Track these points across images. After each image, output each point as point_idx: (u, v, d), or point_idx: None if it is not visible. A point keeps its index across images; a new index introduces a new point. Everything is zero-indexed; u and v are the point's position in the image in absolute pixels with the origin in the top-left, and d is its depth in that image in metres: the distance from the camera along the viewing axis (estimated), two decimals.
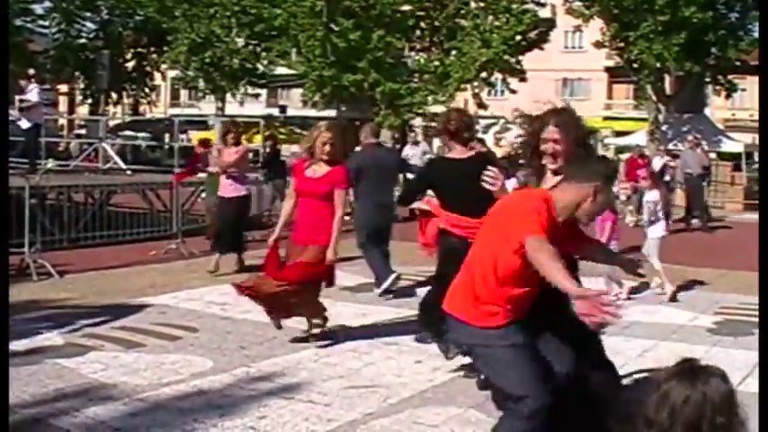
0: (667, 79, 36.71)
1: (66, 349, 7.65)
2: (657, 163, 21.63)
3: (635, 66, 33.99)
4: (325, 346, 7.97)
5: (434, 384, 6.88)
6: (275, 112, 53.09)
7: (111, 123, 43.97)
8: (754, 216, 25.94)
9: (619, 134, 45.42)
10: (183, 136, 43.53)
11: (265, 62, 42.56)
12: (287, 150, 29.65)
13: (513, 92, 38.47)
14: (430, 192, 7.73)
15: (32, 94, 17.72)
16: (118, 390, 6.48)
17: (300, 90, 41.22)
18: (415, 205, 7.81)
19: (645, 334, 8.81)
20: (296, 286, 7.71)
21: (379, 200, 11.04)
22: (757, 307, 8.34)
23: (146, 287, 11.01)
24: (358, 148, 12.42)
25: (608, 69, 52.84)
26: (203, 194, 16.85)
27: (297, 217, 8.06)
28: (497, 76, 36.98)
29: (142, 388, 6.55)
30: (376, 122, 34.97)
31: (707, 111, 42.84)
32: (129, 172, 21.65)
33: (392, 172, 11.98)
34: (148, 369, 7.10)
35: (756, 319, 8.99)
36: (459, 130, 7.37)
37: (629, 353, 8.03)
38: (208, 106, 50.16)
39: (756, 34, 33.21)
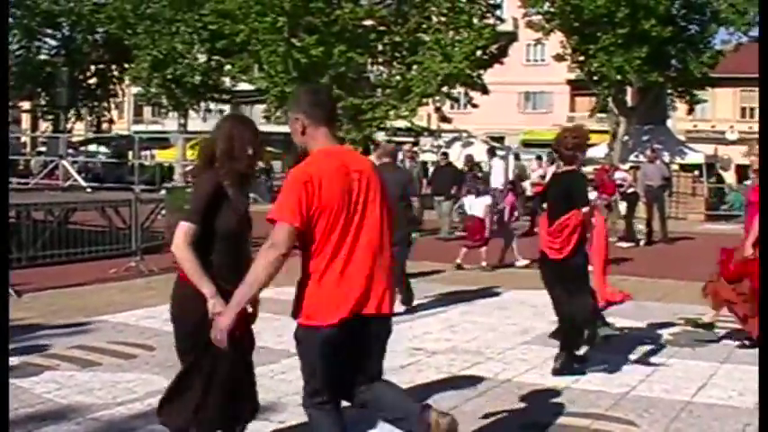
0: (629, 91, 36.97)
1: (21, 369, 7.58)
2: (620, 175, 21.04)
3: (595, 78, 34.19)
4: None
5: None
6: None
7: (74, 140, 43.76)
8: (715, 226, 26.29)
9: None
10: (146, 153, 43.47)
11: (227, 78, 42.49)
12: None
13: (476, 106, 38.63)
14: None
15: None
16: (71, 409, 6.45)
17: (263, 106, 41.10)
18: None
19: (600, 346, 8.78)
20: None
21: None
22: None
23: (104, 305, 10.95)
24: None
25: (570, 82, 53.10)
26: (163, 212, 16.73)
27: None
28: (460, 89, 37.03)
29: (96, 407, 6.51)
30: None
31: (669, 122, 43.17)
32: (88, 189, 21.50)
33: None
34: (103, 388, 7.05)
35: (715, 330, 9.17)
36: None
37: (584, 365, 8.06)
38: (171, 122, 50.00)
39: (717, 47, 33.84)
